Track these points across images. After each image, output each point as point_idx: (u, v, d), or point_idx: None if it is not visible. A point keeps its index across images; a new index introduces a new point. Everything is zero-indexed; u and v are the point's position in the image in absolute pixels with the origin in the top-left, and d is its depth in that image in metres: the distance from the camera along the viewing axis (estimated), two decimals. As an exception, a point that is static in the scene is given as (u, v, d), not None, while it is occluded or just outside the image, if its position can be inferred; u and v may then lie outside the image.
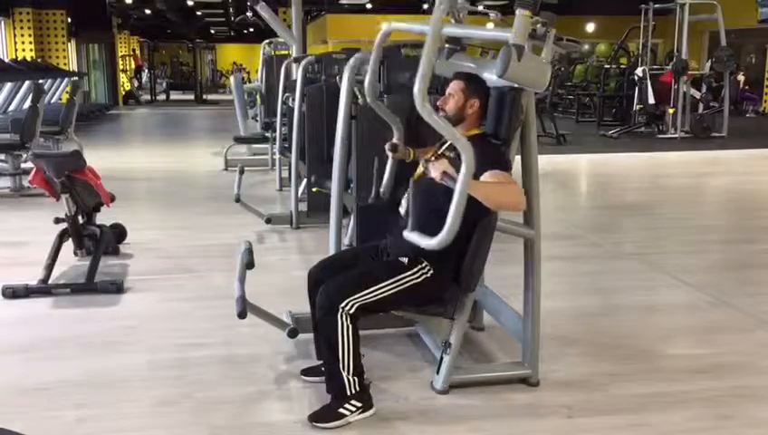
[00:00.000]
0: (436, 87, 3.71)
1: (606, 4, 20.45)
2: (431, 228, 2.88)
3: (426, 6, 15.46)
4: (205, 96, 25.24)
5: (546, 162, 9.35)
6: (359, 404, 2.86)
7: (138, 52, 30.22)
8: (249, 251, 3.27)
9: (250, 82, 21.76)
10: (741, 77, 18.05)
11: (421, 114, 2.62)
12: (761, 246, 5.92)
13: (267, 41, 11.41)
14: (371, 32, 3.43)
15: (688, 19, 13.25)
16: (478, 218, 2.89)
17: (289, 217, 6.17)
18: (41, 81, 9.71)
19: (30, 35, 17.95)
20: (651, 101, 13.23)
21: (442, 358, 3.12)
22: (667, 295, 4.59)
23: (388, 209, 3.40)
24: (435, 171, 2.76)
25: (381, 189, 3.41)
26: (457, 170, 2.63)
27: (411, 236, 2.80)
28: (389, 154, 3.34)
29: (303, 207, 6.08)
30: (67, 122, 9.12)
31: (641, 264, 5.25)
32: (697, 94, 13.84)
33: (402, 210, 3.08)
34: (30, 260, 4.89)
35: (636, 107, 13.98)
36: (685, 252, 5.63)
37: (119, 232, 5.43)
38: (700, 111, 13.65)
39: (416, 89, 2.58)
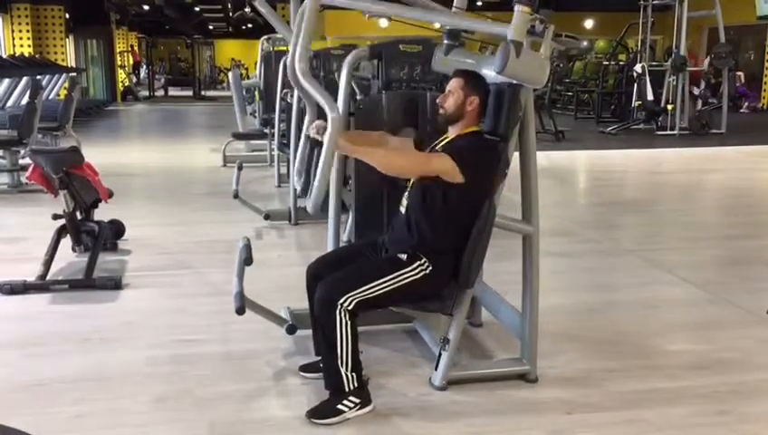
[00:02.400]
0: (435, 83, 3.71)
1: (605, 0, 20.45)
2: (424, 226, 2.90)
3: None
4: (203, 92, 25.22)
5: (544, 158, 9.36)
6: (357, 400, 2.86)
7: (136, 48, 30.16)
8: (247, 247, 3.26)
9: (248, 78, 21.77)
10: (739, 73, 18.06)
11: (296, 76, 2.72)
12: (759, 242, 5.93)
13: (265, 37, 11.39)
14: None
15: (687, 15, 13.24)
16: (476, 215, 2.89)
17: (287, 213, 6.17)
18: (39, 77, 9.71)
19: (28, 31, 17.91)
20: (650, 97, 13.23)
21: (440, 354, 3.12)
22: (666, 292, 4.59)
23: (386, 206, 3.40)
24: (312, 128, 2.98)
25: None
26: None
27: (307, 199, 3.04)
28: (318, 138, 3.25)
29: (302, 203, 6.08)
30: (65, 118, 9.10)
31: (639, 260, 5.25)
32: (696, 91, 13.84)
33: (402, 208, 3.08)
34: (28, 256, 4.88)
35: (634, 103, 13.97)
36: (683, 248, 5.64)
37: (117, 228, 5.43)
38: (698, 107, 13.64)
39: (296, 58, 2.72)
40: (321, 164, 2.74)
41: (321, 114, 3.15)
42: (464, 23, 3.19)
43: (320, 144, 3.01)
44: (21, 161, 7.63)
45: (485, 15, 3.25)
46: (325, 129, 2.80)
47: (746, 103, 18.38)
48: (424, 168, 2.92)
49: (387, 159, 2.98)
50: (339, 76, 3.77)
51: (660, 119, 13.62)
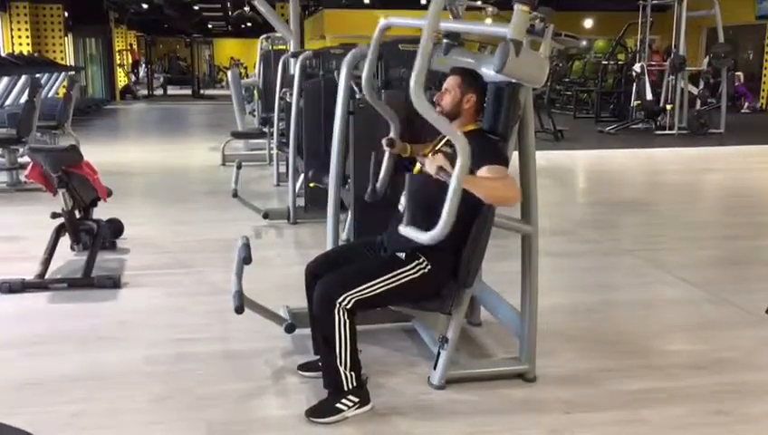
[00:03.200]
0: (434, 82, 3.71)
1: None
2: (426, 224, 2.88)
3: (424, 1, 15.44)
4: (202, 91, 25.20)
5: (543, 158, 9.36)
6: (356, 399, 2.86)
7: (135, 46, 30.14)
8: (246, 246, 3.26)
9: (247, 77, 21.76)
10: (738, 73, 18.05)
11: (418, 110, 2.61)
12: (758, 242, 5.93)
13: (265, 36, 11.40)
14: (369, 27, 3.42)
15: (686, 15, 13.25)
16: (476, 214, 2.89)
17: (286, 212, 6.16)
18: (38, 75, 9.69)
19: (27, 30, 17.90)
20: (649, 97, 13.23)
21: (439, 353, 3.12)
22: (665, 292, 4.59)
23: (385, 205, 3.40)
24: (430, 166, 2.77)
25: (378, 185, 3.41)
26: (453, 165, 2.63)
27: (406, 230, 2.80)
28: (386, 149, 3.34)
29: (301, 202, 6.08)
30: (64, 117, 9.10)
31: (638, 260, 5.25)
32: (695, 90, 13.85)
33: (401, 206, 3.07)
34: (27, 255, 4.88)
35: (633, 103, 13.98)
36: (682, 248, 5.64)
37: (116, 227, 5.42)
38: (697, 107, 13.66)
39: (412, 84, 2.57)
40: (449, 200, 2.61)
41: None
42: (463, 24, 3.19)
43: (398, 158, 3.21)
44: (20, 160, 7.63)
45: (485, 15, 3.24)
46: (442, 168, 2.70)
47: (747, 103, 18.39)
48: (516, 191, 2.87)
49: (495, 190, 2.80)
50: (338, 75, 3.77)
51: (659, 118, 13.63)
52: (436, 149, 3.06)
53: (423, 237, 2.71)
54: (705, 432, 2.84)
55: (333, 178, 3.58)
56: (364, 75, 3.34)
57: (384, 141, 3.29)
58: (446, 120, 2.75)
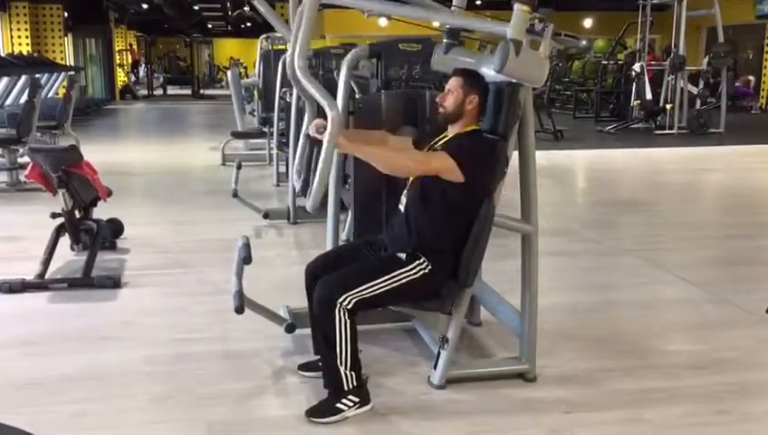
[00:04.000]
0: (434, 82, 3.71)
1: (604, -1, 20.47)
2: (422, 224, 2.90)
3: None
4: (202, 91, 25.19)
5: (543, 158, 9.36)
6: (356, 399, 2.86)
7: (135, 46, 30.13)
8: (246, 246, 3.26)
9: (247, 77, 21.75)
10: (751, 78, 18.13)
11: (296, 74, 2.69)
12: (758, 242, 5.93)
13: (264, 35, 11.38)
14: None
15: (686, 15, 13.25)
16: (475, 214, 2.89)
17: (286, 212, 6.16)
18: (37, 75, 9.68)
19: (26, 30, 17.90)
20: (648, 96, 13.23)
21: (439, 353, 3.12)
22: (665, 291, 4.59)
23: (385, 205, 3.40)
24: (312, 127, 2.94)
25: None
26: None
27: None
28: (317, 135, 3.23)
29: (301, 202, 6.07)
30: (64, 117, 9.09)
31: (638, 260, 5.25)
32: (695, 90, 13.85)
33: (401, 206, 3.08)
34: (27, 255, 4.88)
35: (633, 103, 13.98)
36: (682, 248, 5.64)
37: (115, 227, 5.42)
38: (697, 106, 13.66)
39: (295, 56, 2.69)
40: (320, 163, 2.73)
41: (320, 113, 3.14)
42: (463, 21, 3.19)
43: (319, 143, 3.00)
44: (20, 160, 7.62)
45: (485, 14, 3.25)
46: (325, 127, 2.79)
47: (753, 104, 18.39)
48: (424, 166, 2.92)
49: (387, 157, 2.97)
50: (338, 75, 3.76)
51: (659, 118, 13.63)
52: (434, 147, 3.06)
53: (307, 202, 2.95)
54: (705, 432, 2.84)
55: (333, 178, 3.58)
56: (288, 54, 3.39)
57: (313, 129, 3.09)
58: (327, 92, 2.81)
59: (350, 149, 2.92)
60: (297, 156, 3.65)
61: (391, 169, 2.96)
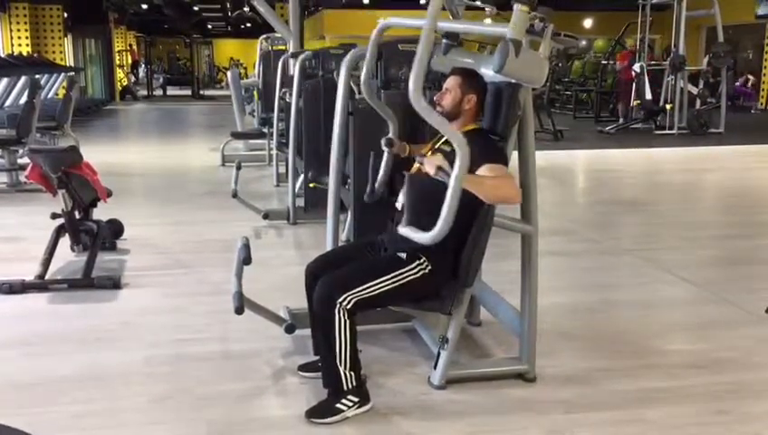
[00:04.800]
0: (433, 82, 3.71)
1: (604, -1, 20.48)
2: (426, 224, 2.88)
3: (423, 1, 15.44)
4: (202, 91, 25.20)
5: (543, 158, 9.36)
6: (356, 399, 2.86)
7: (134, 47, 30.13)
8: (246, 247, 3.26)
9: (247, 77, 21.75)
10: (750, 77, 18.12)
11: (417, 111, 2.60)
12: (758, 241, 5.93)
13: (264, 36, 11.40)
14: (369, 27, 3.42)
15: (686, 15, 13.25)
16: (475, 214, 2.89)
17: (286, 212, 6.16)
18: (37, 76, 9.69)
19: (26, 30, 17.91)
20: (648, 96, 13.23)
21: (439, 353, 3.12)
22: (665, 291, 4.59)
23: (385, 205, 3.40)
24: (429, 166, 2.76)
25: (376, 185, 3.41)
26: (452, 165, 2.63)
27: (405, 230, 2.80)
28: (385, 149, 3.34)
29: (301, 202, 6.08)
30: (64, 118, 9.09)
31: (638, 259, 5.26)
32: (694, 90, 13.85)
33: (399, 205, 3.08)
34: (27, 256, 4.88)
35: (633, 103, 13.98)
36: (682, 247, 5.64)
37: (116, 228, 5.43)
38: (697, 106, 13.67)
39: (411, 87, 2.57)
40: (449, 199, 2.61)
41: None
42: (463, 24, 3.19)
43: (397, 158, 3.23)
44: (19, 160, 7.62)
45: (485, 15, 3.25)
46: (443, 169, 2.67)
47: (753, 103, 18.39)
48: (516, 190, 2.87)
49: (495, 190, 2.80)
50: (337, 76, 3.77)
51: (659, 118, 13.63)
52: (436, 148, 3.06)
53: (423, 238, 2.71)
54: (705, 432, 2.84)
55: (333, 178, 3.58)
56: (363, 75, 3.34)
57: (383, 141, 3.29)
58: (445, 120, 2.75)
59: (468, 184, 2.70)
60: (381, 171, 3.54)
61: (497, 200, 2.85)
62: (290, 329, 3.38)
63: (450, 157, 2.70)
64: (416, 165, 2.97)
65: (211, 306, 4.05)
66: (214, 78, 32.83)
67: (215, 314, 3.91)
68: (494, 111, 2.99)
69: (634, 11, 14.64)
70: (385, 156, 3.39)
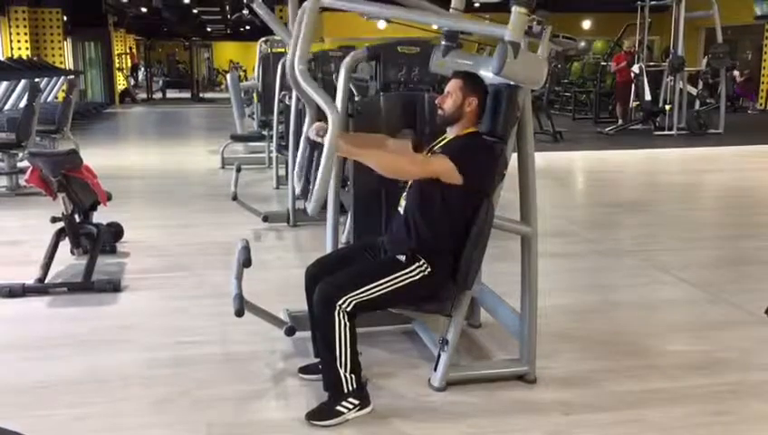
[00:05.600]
0: (433, 84, 3.72)
1: (602, 0, 20.46)
2: (419, 224, 2.90)
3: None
4: (201, 94, 25.17)
5: (543, 159, 9.36)
6: (356, 402, 2.86)
7: (134, 50, 30.14)
8: (246, 249, 3.26)
9: (247, 80, 21.74)
10: (735, 72, 18.07)
11: (296, 78, 2.69)
12: (758, 242, 5.93)
13: (264, 39, 11.38)
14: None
15: (684, 16, 13.25)
16: (474, 216, 2.90)
17: (286, 215, 6.17)
18: (37, 79, 9.68)
19: (26, 33, 17.91)
20: (647, 97, 13.24)
21: (439, 355, 3.12)
22: (665, 292, 4.59)
23: (385, 207, 3.40)
24: (312, 130, 2.96)
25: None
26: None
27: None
28: (318, 139, 3.19)
29: (300, 205, 6.08)
30: (63, 121, 9.09)
31: (638, 260, 5.26)
32: (694, 91, 13.86)
33: (400, 208, 3.08)
34: (27, 259, 4.88)
35: (632, 104, 13.98)
36: (682, 249, 5.64)
37: (115, 231, 5.43)
38: (696, 107, 13.67)
39: (295, 59, 2.70)
40: (321, 166, 2.73)
41: (320, 116, 3.13)
42: (461, 24, 3.20)
43: (319, 146, 3.00)
44: (19, 164, 7.62)
45: (483, 17, 3.25)
46: (325, 130, 2.79)
47: (751, 104, 18.36)
48: (423, 169, 2.93)
49: (386, 160, 2.97)
50: (337, 78, 3.77)
51: (658, 119, 13.63)
52: (433, 150, 3.06)
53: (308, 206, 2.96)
54: (705, 432, 2.84)
55: (333, 180, 3.58)
56: (288, 57, 3.39)
57: (313, 133, 3.15)
58: (321, 90, 2.83)
59: (350, 153, 2.93)
60: (298, 159, 3.65)
61: (391, 172, 2.97)
62: (290, 331, 3.38)
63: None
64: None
65: (211, 309, 4.05)
66: (213, 81, 32.82)
67: (215, 317, 3.91)
68: (494, 113, 2.99)
69: (633, 12, 14.64)
70: (302, 146, 3.46)
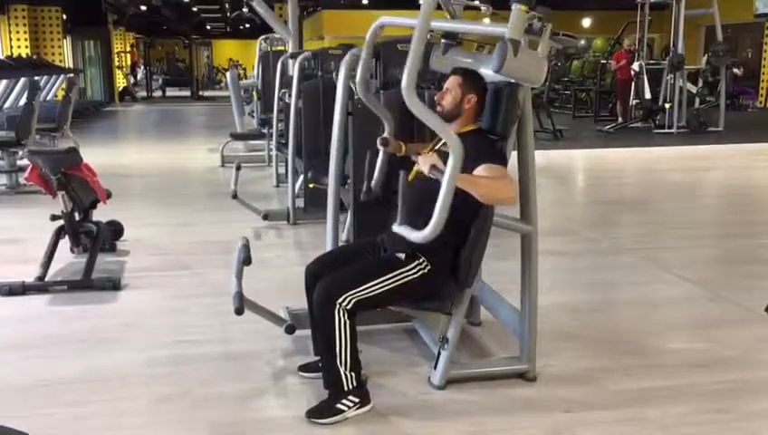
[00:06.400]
0: (433, 82, 3.71)
1: (602, -2, 20.48)
2: (422, 224, 2.89)
3: (421, 1, 15.40)
4: (201, 92, 25.19)
5: (543, 157, 9.36)
6: (356, 400, 2.86)
7: (135, 48, 30.13)
8: (246, 247, 3.26)
9: (246, 78, 21.74)
10: (736, 70, 18.04)
11: (410, 109, 2.61)
12: (758, 240, 5.93)
13: (263, 37, 11.39)
14: (368, 27, 3.41)
15: (685, 14, 13.25)
16: (475, 214, 2.90)
17: (286, 213, 6.17)
18: (36, 78, 9.68)
19: (25, 32, 17.90)
20: (648, 95, 13.23)
21: (439, 353, 3.12)
22: (665, 290, 4.59)
23: (385, 205, 3.40)
24: (424, 164, 2.76)
25: (372, 184, 3.40)
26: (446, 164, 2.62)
27: (400, 229, 2.80)
28: (381, 148, 3.31)
29: (300, 203, 6.08)
30: (63, 119, 9.10)
31: (638, 259, 5.26)
32: (693, 89, 13.85)
33: (399, 206, 3.07)
34: (26, 257, 4.88)
35: (632, 102, 13.98)
36: (681, 246, 5.64)
37: (115, 229, 5.43)
38: (696, 105, 13.66)
39: (404, 83, 2.57)
40: (441, 198, 2.61)
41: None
42: (461, 23, 3.20)
43: (392, 157, 3.18)
44: (19, 162, 7.63)
45: (483, 14, 3.25)
46: (437, 168, 2.67)
47: (751, 102, 18.34)
48: (514, 189, 2.85)
49: (490, 189, 2.79)
50: (336, 76, 3.77)
51: (658, 117, 13.63)
52: (435, 148, 3.06)
53: (416, 236, 2.71)
54: (705, 430, 2.84)
55: (332, 178, 3.58)
56: (358, 75, 3.34)
57: (378, 140, 3.28)
58: (439, 118, 2.75)
59: (464, 183, 2.71)
60: (377, 170, 3.53)
61: (493, 200, 2.84)
62: (290, 329, 3.38)
63: (445, 156, 2.70)
64: (414, 168, 2.98)
65: (211, 307, 4.05)
66: (213, 79, 32.82)
67: (215, 315, 3.91)
68: (494, 111, 2.99)
69: (633, 10, 14.64)
70: (381, 154, 3.39)
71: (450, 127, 2.94)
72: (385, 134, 3.38)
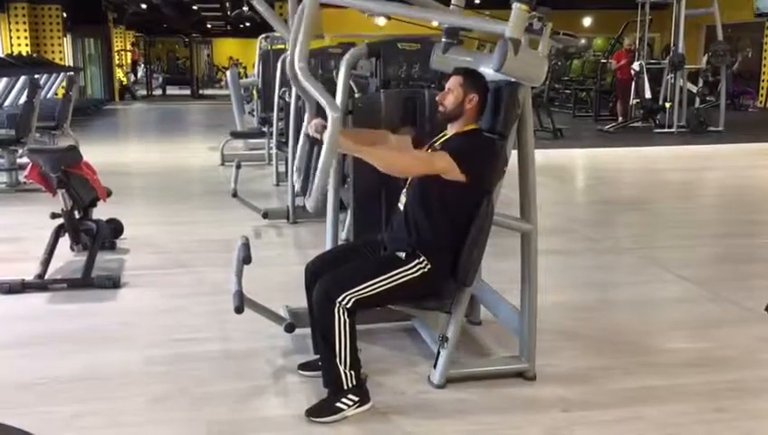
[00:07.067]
0: (433, 81, 3.71)
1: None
2: (420, 221, 2.90)
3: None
4: (201, 91, 25.20)
5: (543, 157, 9.35)
6: (356, 398, 2.86)
7: (135, 46, 30.11)
8: (246, 246, 3.26)
9: (246, 76, 21.73)
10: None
11: (296, 75, 2.68)
12: (758, 240, 5.93)
13: (264, 35, 11.37)
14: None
15: (685, 13, 13.25)
16: (474, 213, 2.90)
17: (286, 211, 6.16)
18: (36, 76, 9.67)
19: (25, 30, 17.88)
20: (648, 95, 13.23)
21: (439, 352, 3.12)
22: (664, 290, 4.59)
23: (385, 204, 3.40)
24: (311, 127, 2.95)
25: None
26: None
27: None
28: (317, 136, 3.20)
29: (300, 201, 6.07)
30: (63, 117, 9.09)
31: (638, 258, 5.26)
32: (694, 88, 13.84)
33: (400, 205, 3.08)
34: (26, 255, 4.88)
35: (632, 101, 13.98)
36: (681, 246, 5.64)
37: (115, 227, 5.42)
38: (697, 105, 13.66)
39: (295, 58, 2.70)
40: (321, 163, 2.73)
41: (320, 113, 3.12)
42: (462, 20, 3.19)
43: (319, 142, 2.98)
44: (19, 160, 7.62)
45: (483, 13, 3.24)
46: (324, 127, 2.78)
47: (752, 102, 18.33)
48: (426, 166, 2.91)
49: (388, 158, 2.96)
50: (337, 75, 3.76)
51: (658, 117, 13.62)
52: (435, 147, 3.06)
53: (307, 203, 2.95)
54: (704, 430, 2.84)
55: (333, 177, 3.58)
56: (288, 54, 3.38)
57: (312, 128, 3.07)
58: (320, 86, 2.83)
59: (351, 149, 2.91)
60: (297, 155, 3.64)
61: (392, 169, 2.95)
62: (290, 328, 3.38)
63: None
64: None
65: (211, 306, 4.05)
66: (213, 77, 32.80)
67: (214, 314, 3.91)
68: (494, 110, 2.99)
69: (633, 9, 14.63)
70: (301, 142, 3.42)
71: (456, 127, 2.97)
72: (316, 120, 3.25)
